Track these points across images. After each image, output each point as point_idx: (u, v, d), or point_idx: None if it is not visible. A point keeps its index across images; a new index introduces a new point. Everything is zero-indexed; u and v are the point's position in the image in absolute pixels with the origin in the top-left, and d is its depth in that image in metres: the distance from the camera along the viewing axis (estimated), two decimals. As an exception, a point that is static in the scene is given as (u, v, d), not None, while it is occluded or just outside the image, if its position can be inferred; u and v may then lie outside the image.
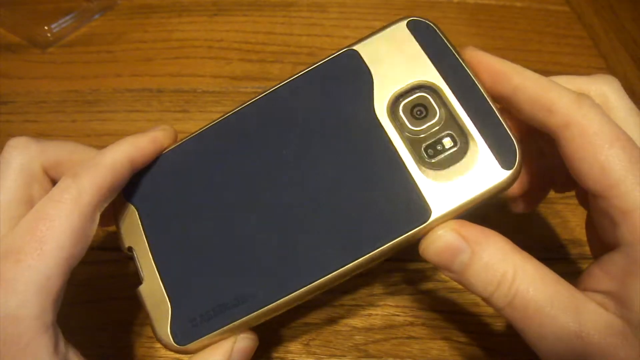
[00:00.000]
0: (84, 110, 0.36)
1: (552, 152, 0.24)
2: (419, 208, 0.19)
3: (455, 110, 0.19)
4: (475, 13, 0.44)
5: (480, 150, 0.19)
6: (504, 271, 0.17)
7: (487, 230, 0.18)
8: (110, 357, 0.26)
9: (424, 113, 0.20)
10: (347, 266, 0.19)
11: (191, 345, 0.20)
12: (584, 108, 0.18)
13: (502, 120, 0.19)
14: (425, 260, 0.19)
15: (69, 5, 0.41)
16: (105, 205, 0.20)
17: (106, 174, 0.20)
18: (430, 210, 0.18)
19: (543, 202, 0.27)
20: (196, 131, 0.22)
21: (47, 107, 0.36)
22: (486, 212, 0.19)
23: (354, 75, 0.20)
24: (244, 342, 0.20)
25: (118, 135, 0.21)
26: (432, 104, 0.20)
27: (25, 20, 0.40)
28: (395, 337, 0.27)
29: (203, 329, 0.20)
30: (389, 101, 0.20)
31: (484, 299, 0.18)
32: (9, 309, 0.17)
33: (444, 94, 0.19)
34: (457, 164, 0.19)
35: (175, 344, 0.20)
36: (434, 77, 0.20)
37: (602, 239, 0.18)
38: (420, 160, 0.19)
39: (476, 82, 0.19)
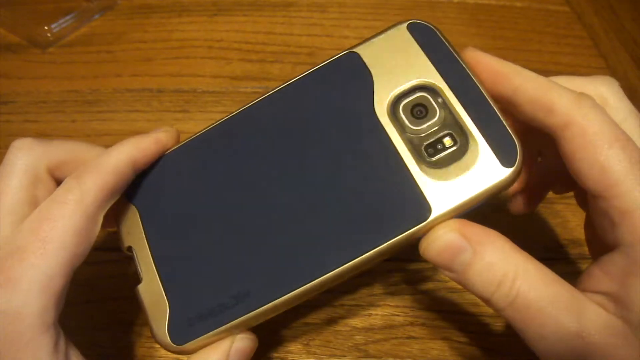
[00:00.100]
0: (84, 110, 0.36)
1: (551, 153, 0.24)
2: (419, 206, 0.18)
3: (455, 110, 0.19)
4: (475, 13, 0.44)
5: (480, 148, 0.19)
6: (505, 271, 0.17)
7: (488, 229, 0.18)
8: (110, 357, 0.26)
9: (424, 113, 0.20)
10: (346, 265, 0.19)
11: (188, 345, 0.20)
12: (585, 108, 0.18)
13: (502, 119, 0.19)
14: (425, 260, 0.19)
15: (69, 5, 0.41)
16: (109, 206, 0.20)
17: (109, 175, 0.20)
18: (430, 208, 0.18)
19: (543, 202, 0.27)
20: (197, 133, 0.23)
21: (47, 107, 0.36)
22: (485, 212, 0.19)
23: (355, 77, 0.21)
24: (242, 342, 0.20)
25: (118, 135, 0.21)
26: (432, 104, 0.20)
27: (25, 20, 0.40)
28: (395, 337, 0.27)
29: (200, 329, 0.20)
30: (389, 102, 0.20)
31: (484, 300, 0.18)
32: (11, 307, 0.17)
33: (444, 93, 0.19)
34: (458, 163, 0.19)
35: (172, 344, 0.20)
36: (434, 77, 0.20)
37: (602, 239, 0.18)
38: (420, 159, 0.19)
39: (476, 81, 0.19)
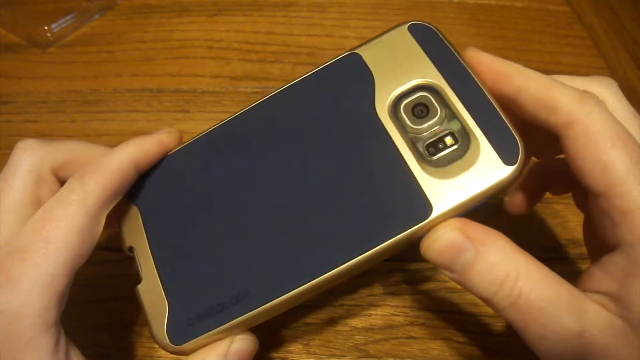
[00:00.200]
0: (84, 110, 0.36)
1: (550, 153, 0.24)
2: (419, 205, 0.18)
3: (456, 109, 0.19)
4: (475, 13, 0.44)
5: (482, 146, 0.18)
6: (507, 272, 0.17)
7: (489, 229, 0.18)
8: (110, 357, 0.26)
9: (425, 112, 0.20)
10: (346, 264, 0.19)
11: (187, 345, 0.20)
12: (588, 106, 0.18)
13: (503, 117, 0.19)
14: (425, 260, 0.19)
15: (69, 5, 0.41)
16: (112, 206, 0.20)
17: (112, 176, 0.20)
18: (431, 207, 0.18)
19: (543, 203, 0.27)
20: (199, 134, 0.23)
21: (47, 107, 0.36)
22: (485, 212, 0.19)
23: (356, 77, 0.21)
24: (241, 343, 0.20)
25: (118, 135, 0.21)
26: (433, 104, 0.20)
27: (25, 20, 0.40)
28: (395, 337, 0.27)
29: (199, 329, 0.20)
30: (390, 102, 0.20)
31: (485, 300, 0.18)
32: (11, 306, 0.17)
33: (445, 93, 0.19)
34: (459, 161, 0.19)
35: (170, 344, 0.20)
36: (435, 77, 0.20)
37: (602, 239, 0.18)
38: (421, 158, 0.19)
39: (477, 81, 0.19)
